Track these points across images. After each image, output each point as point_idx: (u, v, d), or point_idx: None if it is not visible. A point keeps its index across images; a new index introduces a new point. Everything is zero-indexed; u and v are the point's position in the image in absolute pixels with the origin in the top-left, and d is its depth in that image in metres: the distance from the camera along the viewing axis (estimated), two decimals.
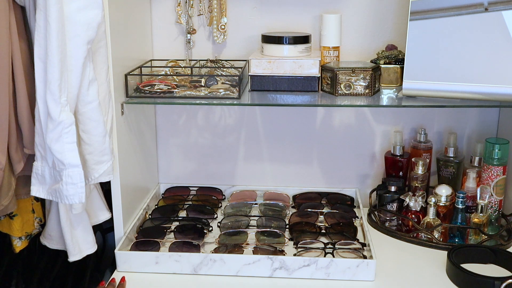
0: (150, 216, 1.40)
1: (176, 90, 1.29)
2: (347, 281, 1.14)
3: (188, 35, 1.46)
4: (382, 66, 1.34)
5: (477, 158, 1.39)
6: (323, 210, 1.43)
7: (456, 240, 1.29)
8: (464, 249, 1.21)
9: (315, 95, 1.30)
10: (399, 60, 1.34)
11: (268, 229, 1.32)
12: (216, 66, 1.39)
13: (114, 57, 1.17)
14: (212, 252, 1.21)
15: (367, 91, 1.27)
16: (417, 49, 1.21)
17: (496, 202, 1.35)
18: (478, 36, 1.17)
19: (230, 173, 1.58)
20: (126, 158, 1.28)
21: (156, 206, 1.47)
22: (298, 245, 1.24)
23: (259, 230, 1.31)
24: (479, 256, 1.21)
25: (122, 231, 1.25)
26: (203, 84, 1.31)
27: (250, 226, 1.36)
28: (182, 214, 1.44)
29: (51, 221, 1.20)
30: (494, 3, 1.15)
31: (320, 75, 1.30)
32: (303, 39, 1.32)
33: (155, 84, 1.30)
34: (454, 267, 1.13)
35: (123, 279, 1.14)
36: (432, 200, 1.30)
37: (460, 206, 1.28)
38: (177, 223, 1.35)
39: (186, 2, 1.44)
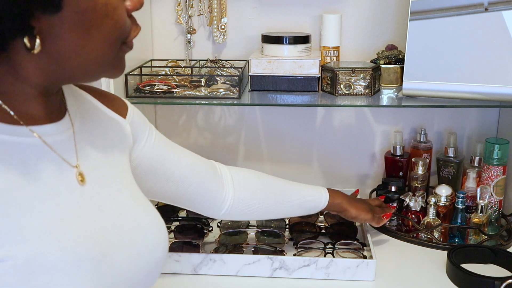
0: None
1: (176, 90, 1.29)
2: (347, 281, 1.13)
3: (188, 35, 1.46)
4: (382, 66, 1.34)
5: (477, 158, 1.39)
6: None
7: (456, 240, 1.29)
8: (464, 249, 1.21)
9: (315, 95, 1.30)
10: (399, 60, 1.34)
11: (268, 229, 1.32)
12: (216, 66, 1.39)
13: None
14: (212, 252, 1.21)
15: (367, 91, 1.27)
16: (417, 49, 1.21)
17: (496, 202, 1.35)
18: (478, 36, 1.17)
19: None
20: None
21: (156, 206, 1.47)
22: (298, 245, 1.24)
23: (259, 230, 1.31)
24: (479, 256, 1.21)
25: None
26: (203, 84, 1.32)
27: (250, 226, 1.36)
28: (182, 214, 1.44)
29: None
30: (494, 3, 1.15)
31: (320, 75, 1.30)
32: (303, 39, 1.32)
33: (155, 84, 1.30)
34: (454, 267, 1.13)
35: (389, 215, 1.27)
36: (432, 200, 1.30)
37: (460, 206, 1.28)
38: (177, 223, 1.35)
39: (186, 2, 1.44)
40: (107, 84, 1.14)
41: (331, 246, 1.23)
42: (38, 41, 0.58)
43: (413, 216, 1.33)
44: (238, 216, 1.10)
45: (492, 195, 1.33)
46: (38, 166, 0.63)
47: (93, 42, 0.61)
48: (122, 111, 0.84)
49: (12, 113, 0.63)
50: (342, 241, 1.24)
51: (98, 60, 0.64)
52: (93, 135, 0.75)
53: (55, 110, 0.69)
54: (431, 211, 1.30)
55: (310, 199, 1.15)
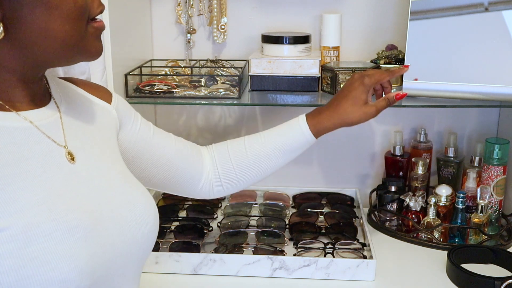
0: None
1: (176, 90, 1.29)
2: (347, 281, 1.14)
3: (188, 35, 1.46)
4: (382, 66, 1.34)
5: (477, 158, 1.39)
6: (323, 210, 1.43)
7: (456, 240, 1.29)
8: (464, 249, 1.21)
9: (315, 95, 1.30)
10: (399, 60, 1.34)
11: (268, 229, 1.32)
12: (216, 66, 1.39)
13: (114, 57, 1.17)
14: (212, 252, 1.21)
15: None
16: (417, 49, 1.21)
17: (496, 202, 1.35)
18: (478, 36, 1.17)
19: None
20: None
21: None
22: (298, 245, 1.24)
23: (259, 230, 1.31)
24: (479, 256, 1.21)
25: None
26: (203, 84, 1.32)
27: (250, 226, 1.36)
28: (182, 214, 1.44)
29: None
30: (494, 3, 1.15)
31: (320, 75, 1.30)
32: (303, 39, 1.32)
33: (155, 84, 1.30)
34: (454, 267, 1.13)
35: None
36: (432, 200, 1.30)
37: (460, 206, 1.28)
38: (177, 223, 1.35)
39: (186, 2, 1.44)
40: (106, 84, 1.13)
41: (331, 246, 1.23)
42: (1, 27, 0.64)
43: (413, 216, 1.33)
44: (230, 187, 1.08)
45: (492, 195, 1.33)
46: (27, 146, 0.68)
47: (55, 24, 0.66)
48: (106, 98, 0.89)
49: None
50: (342, 241, 1.25)
51: (65, 42, 0.68)
52: (80, 119, 0.80)
53: (38, 97, 0.74)
54: (431, 211, 1.30)
55: (292, 141, 1.08)
